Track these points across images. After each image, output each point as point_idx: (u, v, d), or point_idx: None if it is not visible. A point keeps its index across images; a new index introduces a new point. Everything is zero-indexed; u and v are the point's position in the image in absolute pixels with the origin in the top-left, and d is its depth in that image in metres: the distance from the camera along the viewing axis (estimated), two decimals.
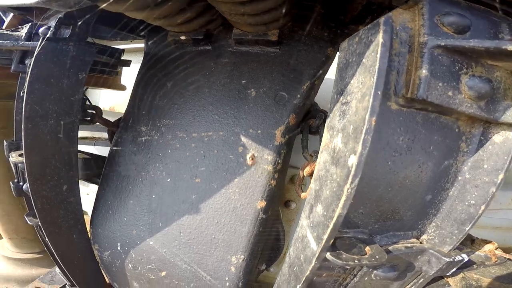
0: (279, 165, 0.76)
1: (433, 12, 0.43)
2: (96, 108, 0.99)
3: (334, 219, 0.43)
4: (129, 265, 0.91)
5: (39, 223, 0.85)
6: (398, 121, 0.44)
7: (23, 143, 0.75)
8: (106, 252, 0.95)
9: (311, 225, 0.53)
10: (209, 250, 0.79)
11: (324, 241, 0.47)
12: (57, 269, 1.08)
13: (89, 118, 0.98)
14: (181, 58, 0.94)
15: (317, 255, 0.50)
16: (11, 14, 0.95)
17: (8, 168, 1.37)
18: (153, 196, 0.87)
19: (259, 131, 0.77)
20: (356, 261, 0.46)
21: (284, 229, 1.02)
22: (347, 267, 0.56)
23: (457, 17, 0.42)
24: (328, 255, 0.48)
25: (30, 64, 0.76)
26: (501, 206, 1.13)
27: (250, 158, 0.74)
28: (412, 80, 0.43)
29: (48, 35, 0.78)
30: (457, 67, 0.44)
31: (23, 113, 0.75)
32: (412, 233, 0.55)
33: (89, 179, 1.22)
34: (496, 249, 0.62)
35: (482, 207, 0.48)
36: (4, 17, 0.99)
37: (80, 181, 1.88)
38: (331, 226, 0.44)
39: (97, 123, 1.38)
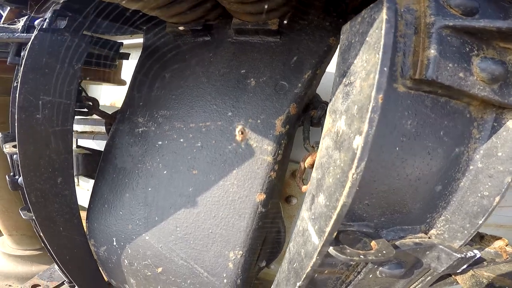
0: (279, 156, 0.73)
1: None
2: (93, 99, 0.97)
3: (338, 209, 0.40)
4: (125, 261, 0.89)
5: (33, 217, 0.83)
6: (406, 104, 0.41)
7: (16, 133, 0.73)
8: (102, 248, 0.93)
9: (313, 217, 0.50)
10: (206, 245, 0.76)
11: (326, 234, 0.44)
12: (56, 266, 1.06)
13: (86, 110, 0.96)
14: (179, 49, 0.92)
15: (318, 249, 0.46)
16: (8, 8, 0.93)
17: (8, 165, 1.36)
18: (149, 189, 0.84)
19: (259, 121, 0.74)
20: (361, 256, 0.43)
21: (285, 225, 0.99)
22: (351, 263, 0.52)
23: None
24: (331, 249, 0.44)
25: (24, 55, 0.74)
26: (505, 203, 1.09)
27: (240, 133, 0.71)
28: (420, 61, 0.40)
29: (43, 26, 0.76)
30: (467, 49, 0.42)
31: (16, 103, 0.73)
32: (420, 227, 0.51)
33: (90, 175, 1.21)
34: (506, 245, 0.58)
35: (497, 199, 0.44)
36: (1, 11, 0.98)
37: (81, 177, 1.87)
38: (334, 217, 0.41)
39: (96, 117, 1.36)
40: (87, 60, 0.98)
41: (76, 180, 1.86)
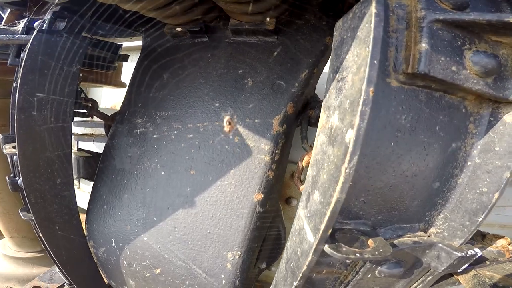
0: (276, 156, 0.72)
1: None
2: (92, 101, 0.98)
3: (332, 205, 0.39)
4: (124, 262, 0.88)
5: (33, 218, 0.83)
6: (400, 99, 0.41)
7: (16, 134, 0.74)
8: (101, 249, 0.93)
9: (308, 215, 0.49)
10: (204, 246, 0.76)
11: (321, 231, 0.43)
12: (56, 268, 1.06)
13: (85, 111, 0.96)
14: (177, 50, 0.93)
15: (314, 247, 0.46)
16: (9, 10, 0.95)
17: (9, 167, 1.37)
18: (148, 190, 0.84)
19: (256, 120, 0.74)
20: (357, 254, 0.42)
21: (285, 227, 0.98)
22: (348, 261, 0.51)
23: None
24: (326, 247, 0.44)
25: (24, 56, 0.75)
26: (508, 203, 1.07)
27: (227, 123, 0.71)
28: (412, 55, 0.40)
29: (42, 28, 0.77)
30: (459, 42, 0.42)
31: (16, 104, 0.74)
32: (418, 226, 0.50)
33: (91, 177, 1.21)
34: (509, 244, 0.57)
35: (496, 195, 0.43)
36: (2, 14, 0.99)
37: (82, 179, 1.87)
38: (328, 213, 0.41)
39: (96, 119, 1.37)
40: (86, 62, 1.00)
41: (77, 182, 1.87)
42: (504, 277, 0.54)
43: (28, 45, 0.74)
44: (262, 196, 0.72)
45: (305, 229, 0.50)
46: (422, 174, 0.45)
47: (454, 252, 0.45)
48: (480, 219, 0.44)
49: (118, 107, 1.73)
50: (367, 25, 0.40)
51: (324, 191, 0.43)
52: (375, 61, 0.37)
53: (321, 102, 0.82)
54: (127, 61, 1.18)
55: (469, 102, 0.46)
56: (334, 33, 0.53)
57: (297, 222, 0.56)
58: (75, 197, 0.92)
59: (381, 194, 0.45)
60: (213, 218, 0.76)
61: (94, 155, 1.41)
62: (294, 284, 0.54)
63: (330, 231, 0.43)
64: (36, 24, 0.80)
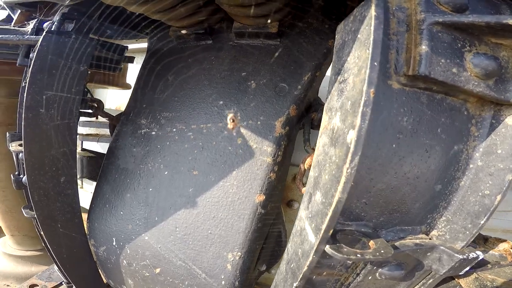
0: (279, 157, 0.73)
1: None
2: (98, 101, 0.99)
3: (333, 205, 0.40)
4: (124, 261, 0.88)
5: (35, 216, 0.84)
6: (401, 100, 0.42)
7: (22, 132, 0.75)
8: (101, 248, 0.93)
9: (310, 215, 0.49)
10: (205, 246, 0.76)
11: (322, 232, 0.43)
12: (55, 266, 1.06)
13: (91, 111, 0.98)
14: (182, 53, 0.94)
15: (315, 248, 0.46)
16: (19, 11, 0.97)
17: (13, 166, 1.39)
18: (150, 189, 0.85)
19: (259, 122, 0.75)
20: (359, 255, 0.42)
21: (286, 230, 0.97)
22: (349, 262, 0.51)
23: None
24: (327, 248, 0.44)
25: (33, 56, 0.77)
26: (511, 208, 1.06)
27: (231, 120, 0.71)
28: (412, 57, 0.41)
29: (51, 28, 0.79)
30: (459, 45, 0.42)
31: (24, 103, 0.75)
32: (420, 228, 0.50)
33: (94, 177, 1.22)
34: (511, 248, 0.56)
35: (498, 197, 0.43)
36: (12, 14, 1.02)
37: (85, 179, 1.88)
38: (330, 213, 0.41)
39: (101, 120, 1.38)
40: (93, 62, 1.02)
41: (80, 182, 1.88)
42: (506, 280, 0.54)
43: (38, 46, 0.76)
44: (264, 197, 0.73)
45: (306, 230, 0.50)
46: (424, 176, 0.45)
47: (456, 255, 0.45)
48: (482, 222, 0.44)
49: (123, 108, 1.75)
50: (367, 28, 0.41)
51: (325, 191, 0.43)
52: (375, 63, 0.38)
53: (323, 104, 0.83)
54: (132, 62, 1.19)
55: (471, 105, 0.47)
56: (336, 36, 0.54)
57: (298, 223, 0.56)
58: (78, 196, 0.92)
59: (382, 195, 0.45)
60: (214, 218, 0.76)
61: (98, 155, 1.42)
62: (294, 285, 0.54)
63: (331, 231, 0.43)
64: (45, 25, 0.82)
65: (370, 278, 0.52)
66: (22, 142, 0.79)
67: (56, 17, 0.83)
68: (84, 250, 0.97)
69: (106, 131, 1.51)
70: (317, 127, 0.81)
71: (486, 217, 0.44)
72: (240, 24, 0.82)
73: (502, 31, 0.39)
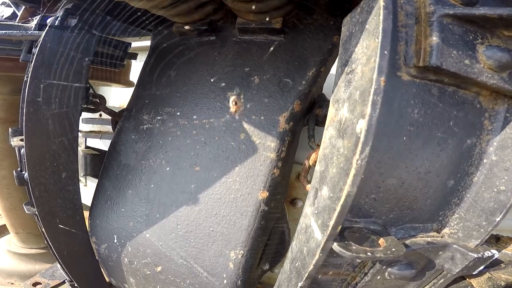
0: (282, 153, 0.71)
1: None
2: (100, 96, 0.99)
3: (342, 199, 0.38)
4: (125, 259, 0.87)
5: (36, 212, 0.83)
6: (411, 92, 0.40)
7: (24, 127, 0.75)
8: (103, 245, 0.92)
9: (316, 212, 0.48)
10: (207, 244, 0.74)
11: (330, 228, 0.42)
12: (58, 264, 1.06)
13: (93, 107, 0.97)
14: (185, 49, 0.93)
15: (321, 245, 0.44)
16: (23, 7, 0.97)
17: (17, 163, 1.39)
18: (152, 186, 0.83)
19: (262, 118, 0.73)
20: (369, 253, 0.40)
21: (290, 228, 0.96)
22: (357, 261, 0.49)
23: None
24: (335, 245, 0.42)
25: (36, 52, 0.76)
26: None
27: (233, 103, 0.70)
28: (423, 48, 0.40)
29: (54, 24, 0.79)
30: (471, 37, 0.41)
31: (25, 97, 0.74)
32: (432, 226, 0.48)
33: (98, 175, 1.21)
34: None
35: None
36: (17, 11, 1.02)
37: (88, 177, 1.88)
38: (338, 208, 0.39)
39: (104, 117, 1.38)
40: (96, 59, 1.01)
41: (83, 180, 1.88)
42: None
43: (40, 40, 0.76)
44: (267, 194, 0.71)
45: (312, 227, 0.49)
46: (436, 171, 0.43)
47: (470, 253, 0.42)
48: (498, 219, 0.42)
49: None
50: (376, 18, 0.39)
51: (333, 185, 0.41)
52: (385, 51, 0.36)
53: (328, 101, 0.81)
54: (135, 59, 1.19)
55: (484, 98, 0.45)
56: (342, 29, 0.52)
57: (304, 220, 0.54)
58: (79, 192, 0.92)
59: (393, 191, 0.43)
60: (216, 215, 0.74)
61: (102, 153, 1.42)
62: (299, 284, 0.52)
63: (339, 227, 0.41)
64: (48, 20, 0.82)
65: (378, 277, 0.50)
66: (23, 137, 0.78)
67: (59, 13, 0.82)
68: (86, 248, 0.96)
69: (109, 128, 1.50)
70: (322, 123, 0.79)
71: (502, 214, 0.42)
72: (243, 19, 0.81)
73: None
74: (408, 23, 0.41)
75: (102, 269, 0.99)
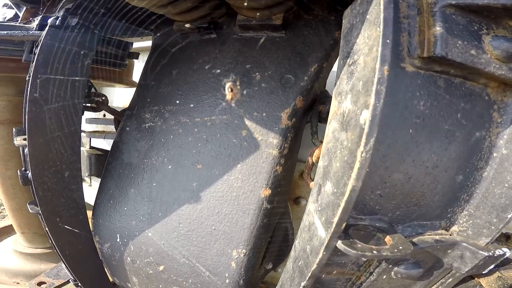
0: (285, 150, 0.70)
1: None
2: (102, 95, 0.99)
3: (347, 195, 0.37)
4: (128, 258, 0.87)
5: (40, 211, 0.84)
6: (416, 84, 0.39)
7: (26, 126, 0.75)
8: (106, 245, 0.92)
9: (319, 208, 0.46)
10: (209, 243, 0.73)
11: (334, 225, 0.40)
12: (63, 264, 1.07)
13: (95, 106, 0.97)
14: (186, 47, 0.93)
15: (325, 243, 0.43)
16: (24, 8, 0.98)
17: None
18: (154, 184, 0.83)
19: (264, 114, 0.72)
20: (375, 251, 0.39)
21: (294, 227, 0.94)
22: (362, 260, 0.48)
23: None
24: (339, 243, 0.41)
25: (37, 51, 0.77)
26: None
27: (229, 89, 0.69)
28: (426, 39, 0.39)
29: (55, 23, 0.79)
30: (475, 27, 0.40)
31: (27, 96, 0.75)
32: (440, 223, 0.47)
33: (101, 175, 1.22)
34: None
35: None
36: (18, 12, 1.03)
37: (93, 177, 1.89)
38: (342, 204, 0.38)
39: (108, 117, 1.38)
40: (97, 58, 1.01)
41: (88, 180, 1.90)
42: None
43: (41, 40, 0.76)
44: (270, 191, 0.70)
45: (315, 224, 0.47)
46: (444, 165, 0.41)
47: (481, 252, 0.41)
48: (510, 216, 0.40)
49: None
50: (376, 8, 0.38)
51: (337, 180, 0.40)
52: (388, 40, 0.35)
53: (331, 97, 0.80)
54: (137, 58, 1.19)
55: (492, 90, 0.43)
56: (343, 21, 0.51)
57: (307, 217, 0.53)
58: (82, 191, 0.92)
59: (399, 187, 0.42)
60: (218, 214, 0.74)
61: (106, 153, 1.42)
62: (302, 284, 0.51)
63: (344, 224, 0.40)
64: (49, 20, 0.82)
65: (384, 277, 0.49)
66: (26, 136, 0.78)
67: (60, 12, 0.83)
68: (89, 247, 0.96)
69: (113, 128, 1.51)
70: (325, 120, 0.78)
71: None
72: (244, 16, 0.80)
73: None
74: (410, 14, 0.40)
75: (105, 268, 0.99)
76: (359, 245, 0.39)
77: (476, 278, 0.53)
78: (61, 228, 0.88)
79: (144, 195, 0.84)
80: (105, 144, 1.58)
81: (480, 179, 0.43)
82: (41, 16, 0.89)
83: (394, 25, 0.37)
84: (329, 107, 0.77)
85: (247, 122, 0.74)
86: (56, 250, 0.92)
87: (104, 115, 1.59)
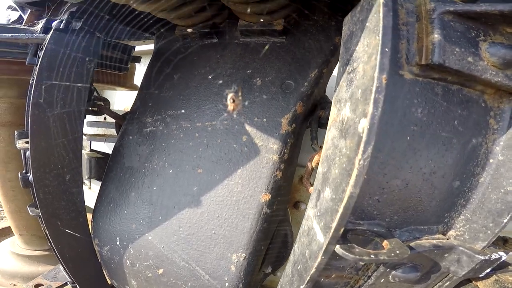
0: (285, 155, 0.71)
1: None
2: (104, 99, 1.00)
3: (345, 201, 0.37)
4: (127, 261, 0.87)
5: (40, 214, 0.84)
6: (414, 91, 0.39)
7: (29, 129, 0.76)
8: (105, 248, 0.92)
9: (318, 214, 0.47)
10: (209, 247, 0.74)
11: (332, 230, 0.41)
12: (61, 266, 1.06)
13: (97, 109, 0.98)
14: (187, 51, 0.94)
15: (324, 248, 0.43)
16: (29, 11, 0.99)
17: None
18: (155, 188, 0.84)
19: (264, 120, 0.73)
20: (372, 256, 0.39)
21: (293, 231, 0.95)
22: (360, 264, 0.49)
23: None
24: (337, 248, 0.41)
25: (41, 54, 0.78)
26: None
27: (231, 100, 0.70)
28: (425, 46, 0.39)
29: (59, 26, 0.80)
30: (473, 34, 0.41)
31: (30, 99, 0.75)
32: (437, 228, 0.47)
33: (102, 178, 1.22)
34: None
35: None
36: (23, 15, 1.04)
37: (93, 180, 1.89)
38: (340, 210, 0.38)
39: (109, 120, 1.39)
40: (100, 62, 1.02)
41: (88, 183, 1.89)
42: None
43: (45, 43, 0.77)
44: (270, 196, 0.71)
45: (314, 229, 0.48)
46: (441, 171, 0.42)
47: (477, 256, 0.41)
48: (505, 220, 0.41)
49: None
50: (376, 15, 0.39)
51: (335, 186, 0.41)
52: (386, 49, 0.36)
53: (331, 102, 0.81)
54: (139, 62, 1.20)
55: (489, 96, 0.44)
56: (343, 28, 0.52)
57: (306, 222, 0.54)
58: (83, 194, 0.92)
59: (397, 192, 0.43)
60: (218, 218, 0.74)
61: (106, 156, 1.43)
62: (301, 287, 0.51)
63: (342, 230, 0.40)
64: (53, 23, 0.83)
65: (382, 281, 0.49)
66: (28, 139, 0.79)
67: (64, 16, 0.84)
68: (89, 250, 0.96)
69: (114, 131, 1.52)
70: (325, 125, 0.79)
71: (509, 216, 0.41)
72: (245, 22, 0.81)
73: None
74: (409, 21, 0.41)
75: (104, 271, 0.99)
76: (357, 250, 0.40)
77: (473, 281, 0.53)
78: (60, 231, 0.89)
79: (145, 198, 0.85)
80: (106, 147, 1.59)
81: (476, 184, 0.44)
82: (45, 19, 0.90)
83: (393, 32, 0.38)
84: (329, 113, 0.78)
85: (248, 127, 0.74)
86: (55, 253, 0.92)
87: (105, 118, 1.60)
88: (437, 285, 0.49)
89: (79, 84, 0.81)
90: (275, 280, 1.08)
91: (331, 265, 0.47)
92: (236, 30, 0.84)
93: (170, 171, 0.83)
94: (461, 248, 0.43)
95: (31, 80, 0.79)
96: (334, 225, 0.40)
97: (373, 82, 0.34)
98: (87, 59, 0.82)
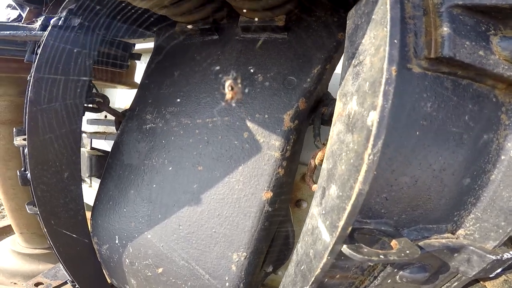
0: (287, 152, 0.69)
1: None
2: (103, 96, 0.98)
3: (353, 198, 0.36)
4: (127, 260, 0.86)
5: (38, 212, 0.83)
6: (423, 85, 0.38)
7: (26, 126, 0.74)
8: (104, 246, 0.91)
9: (323, 212, 0.45)
10: (209, 245, 0.72)
11: (339, 229, 0.39)
12: (61, 265, 1.05)
13: (96, 106, 0.97)
14: (188, 48, 0.93)
15: (330, 248, 0.42)
16: (28, 9, 0.98)
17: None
18: (154, 186, 0.82)
19: (266, 116, 0.72)
20: (381, 256, 0.38)
21: (294, 230, 0.93)
22: (367, 265, 0.47)
23: None
24: (344, 248, 0.40)
25: (39, 51, 0.76)
26: None
27: (230, 88, 0.68)
28: (433, 40, 0.38)
29: (58, 24, 0.79)
30: (483, 28, 0.39)
31: (28, 96, 0.74)
32: (446, 227, 0.46)
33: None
34: None
35: None
36: (22, 13, 1.03)
37: (93, 178, 1.88)
38: (348, 208, 0.37)
39: (109, 117, 1.38)
40: (99, 59, 1.01)
41: (89, 181, 1.89)
42: None
43: (43, 40, 0.76)
44: (271, 194, 0.69)
45: (319, 228, 0.46)
46: (451, 168, 0.41)
47: (488, 255, 0.40)
48: None
49: None
50: (383, 7, 0.38)
51: (342, 183, 0.39)
52: (395, 40, 0.35)
53: (334, 99, 0.79)
54: (139, 59, 1.19)
55: (500, 91, 0.43)
56: (348, 22, 0.51)
57: (310, 221, 0.52)
58: (81, 192, 0.91)
59: (405, 190, 0.41)
60: (219, 216, 0.73)
61: (107, 154, 1.42)
62: None
63: (350, 229, 0.39)
64: (52, 21, 0.82)
65: (389, 281, 0.48)
66: (26, 136, 0.78)
67: (62, 13, 0.82)
68: (88, 249, 0.95)
69: (114, 129, 1.51)
70: (328, 122, 0.77)
71: None
72: (246, 18, 0.79)
73: None
74: (415, 15, 0.39)
75: (103, 270, 0.98)
76: (365, 250, 0.39)
77: (481, 282, 0.52)
78: (59, 228, 0.87)
79: (144, 196, 0.84)
80: (106, 145, 1.58)
81: (487, 182, 0.43)
82: (44, 16, 0.89)
83: (401, 26, 0.37)
84: (332, 109, 0.77)
85: (249, 123, 0.73)
86: (54, 251, 0.91)
87: (106, 116, 1.58)
88: (445, 285, 0.48)
89: (76, 78, 0.80)
90: (276, 279, 1.07)
91: (336, 266, 0.45)
92: (237, 26, 0.82)
93: (170, 168, 0.81)
94: (471, 247, 0.42)
95: (28, 77, 0.77)
96: (341, 224, 0.39)
97: (381, 74, 0.32)
98: (85, 54, 0.81)
